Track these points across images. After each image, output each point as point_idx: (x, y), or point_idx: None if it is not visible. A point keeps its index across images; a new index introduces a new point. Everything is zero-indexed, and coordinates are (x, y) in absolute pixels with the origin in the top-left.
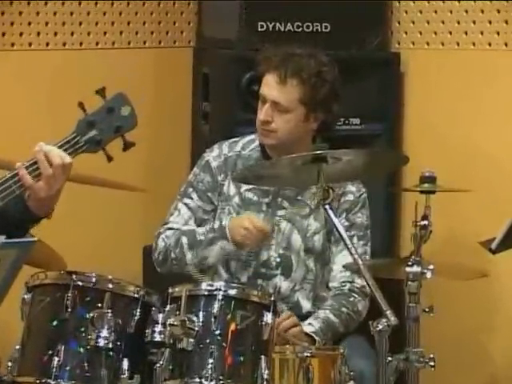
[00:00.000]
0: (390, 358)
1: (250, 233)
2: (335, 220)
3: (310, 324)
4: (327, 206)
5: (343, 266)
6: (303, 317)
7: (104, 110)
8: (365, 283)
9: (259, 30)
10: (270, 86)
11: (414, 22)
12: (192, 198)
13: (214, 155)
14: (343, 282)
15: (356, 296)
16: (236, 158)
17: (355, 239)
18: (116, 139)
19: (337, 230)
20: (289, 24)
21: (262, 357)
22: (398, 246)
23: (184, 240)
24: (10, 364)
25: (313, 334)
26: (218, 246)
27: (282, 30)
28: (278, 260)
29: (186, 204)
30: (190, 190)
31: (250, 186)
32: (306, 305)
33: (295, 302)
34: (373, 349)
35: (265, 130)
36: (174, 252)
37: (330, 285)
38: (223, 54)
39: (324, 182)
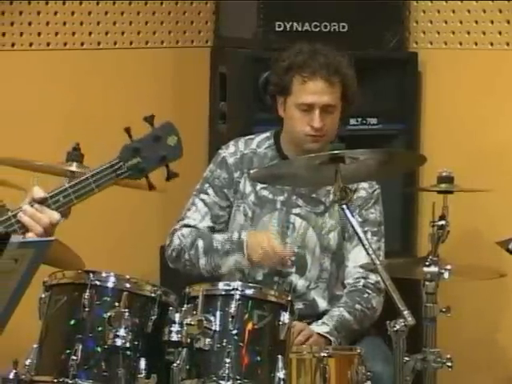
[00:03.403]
0: (407, 358)
1: (267, 255)
2: (353, 220)
3: (323, 323)
4: (344, 206)
5: (360, 266)
6: (319, 315)
7: (151, 137)
8: (379, 279)
9: (276, 29)
10: (317, 93)
11: (431, 22)
12: (208, 194)
13: (230, 152)
14: (357, 278)
15: (370, 292)
16: (252, 155)
17: (369, 235)
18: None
19: (354, 230)
20: (306, 24)
21: (279, 357)
22: (415, 246)
23: (200, 243)
24: (27, 363)
25: (327, 335)
26: (233, 258)
27: (300, 29)
28: (293, 258)
29: (202, 200)
30: (206, 185)
31: (266, 184)
32: (322, 303)
33: (311, 301)
34: (390, 351)
35: (317, 136)
36: (189, 253)
37: (345, 282)
38: (240, 54)
39: (341, 181)
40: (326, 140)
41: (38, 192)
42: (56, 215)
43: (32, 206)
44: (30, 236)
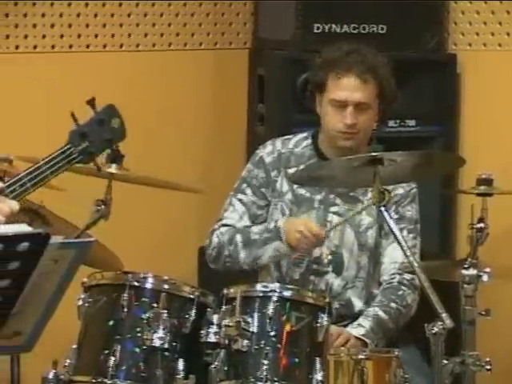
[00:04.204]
0: (445, 362)
1: (304, 237)
2: (391, 222)
3: (359, 325)
4: (383, 208)
5: (394, 263)
6: (355, 315)
7: (96, 121)
8: (414, 275)
9: (315, 31)
10: (350, 89)
11: (470, 23)
12: (246, 194)
13: (267, 151)
14: (392, 274)
15: (405, 289)
16: (289, 154)
17: (405, 232)
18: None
19: (392, 232)
20: (345, 25)
21: (317, 358)
22: (453, 248)
23: (238, 238)
24: (67, 363)
25: (363, 338)
26: (272, 246)
27: (338, 31)
28: (330, 257)
29: (240, 200)
30: (244, 185)
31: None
32: (358, 303)
33: (347, 300)
34: (425, 362)
35: (349, 134)
36: (228, 249)
37: (381, 279)
38: (279, 56)
39: (379, 183)
40: (359, 138)
41: None
42: (16, 204)
43: None
44: None
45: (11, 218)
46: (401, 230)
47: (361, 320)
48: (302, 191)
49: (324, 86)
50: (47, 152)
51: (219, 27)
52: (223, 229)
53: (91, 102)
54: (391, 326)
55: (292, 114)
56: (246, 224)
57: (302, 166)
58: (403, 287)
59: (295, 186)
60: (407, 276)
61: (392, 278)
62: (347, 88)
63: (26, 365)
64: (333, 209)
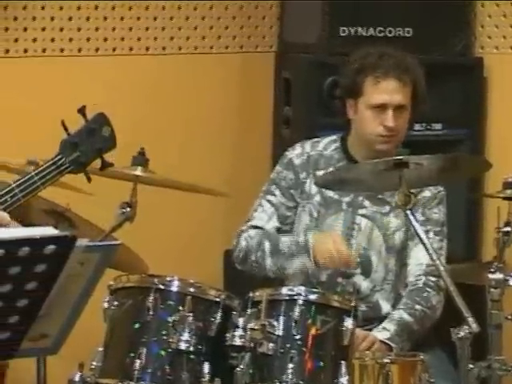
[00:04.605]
0: (471, 366)
1: (333, 258)
2: (416, 225)
3: (384, 328)
4: (409, 212)
5: (420, 265)
6: (382, 318)
7: (86, 130)
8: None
9: (341, 34)
10: (389, 92)
11: (497, 26)
12: (275, 195)
13: (296, 153)
14: (418, 275)
15: (430, 290)
16: (318, 157)
17: (431, 234)
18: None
19: (418, 235)
20: (371, 28)
21: (342, 362)
22: (479, 252)
23: (266, 245)
24: (92, 366)
25: (388, 342)
26: (298, 260)
27: (364, 34)
28: (358, 260)
29: (269, 201)
30: (273, 187)
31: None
32: (386, 306)
33: (375, 303)
34: (451, 365)
35: (389, 137)
36: (255, 255)
37: (406, 280)
38: (305, 59)
39: (406, 187)
40: (397, 141)
41: None
42: (6, 216)
43: None
44: None
45: (38, 221)
46: (427, 231)
47: (385, 323)
48: (330, 193)
49: (360, 91)
50: (36, 156)
51: (245, 30)
52: (252, 232)
53: (82, 111)
54: (416, 328)
55: (318, 117)
56: (275, 225)
57: (329, 169)
58: (428, 289)
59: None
60: (432, 278)
61: (417, 280)
62: (386, 91)
63: (52, 367)
64: (361, 211)
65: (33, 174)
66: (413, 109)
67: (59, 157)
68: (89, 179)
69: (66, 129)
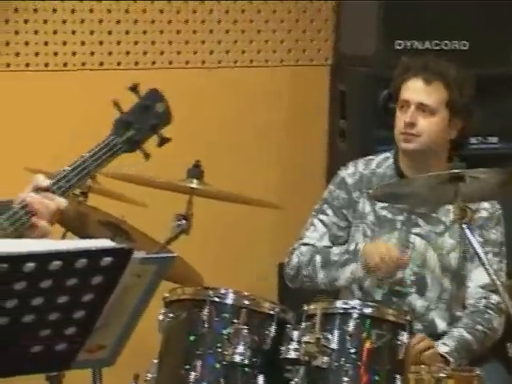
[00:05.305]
0: None
1: (384, 262)
2: (473, 239)
3: (443, 344)
4: (465, 226)
5: (481, 287)
6: (438, 336)
7: (140, 107)
8: (501, 299)
9: (396, 47)
10: (415, 90)
11: None
12: (327, 215)
13: (349, 172)
14: (478, 298)
15: (491, 313)
16: (371, 175)
17: (490, 255)
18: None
19: (474, 250)
20: (427, 42)
21: (397, 376)
22: None
23: (318, 258)
24: (148, 377)
25: (447, 355)
26: (349, 268)
27: (420, 47)
28: (413, 278)
29: (321, 220)
30: (325, 206)
31: (385, 204)
32: (441, 324)
33: (430, 321)
34: (508, 378)
35: (408, 134)
36: (306, 269)
37: (466, 302)
38: (360, 72)
39: (461, 201)
40: (421, 143)
41: (43, 180)
42: (63, 201)
43: (39, 194)
44: (36, 222)
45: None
46: (486, 253)
47: (445, 339)
48: (383, 212)
49: (398, 94)
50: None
51: (300, 44)
52: (303, 248)
53: (134, 88)
54: (475, 348)
55: (373, 130)
56: (327, 244)
57: (382, 183)
58: (490, 311)
59: (377, 207)
60: (493, 300)
61: (478, 302)
62: (411, 89)
63: (108, 378)
64: (415, 230)
65: (87, 157)
66: (453, 119)
67: (112, 137)
68: (146, 156)
69: (119, 108)
